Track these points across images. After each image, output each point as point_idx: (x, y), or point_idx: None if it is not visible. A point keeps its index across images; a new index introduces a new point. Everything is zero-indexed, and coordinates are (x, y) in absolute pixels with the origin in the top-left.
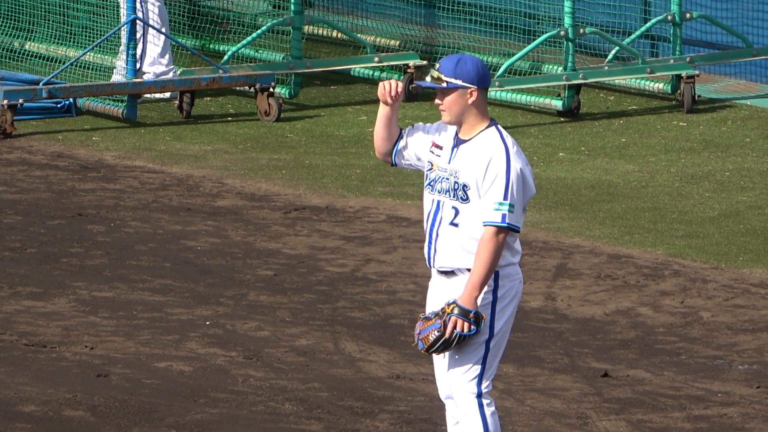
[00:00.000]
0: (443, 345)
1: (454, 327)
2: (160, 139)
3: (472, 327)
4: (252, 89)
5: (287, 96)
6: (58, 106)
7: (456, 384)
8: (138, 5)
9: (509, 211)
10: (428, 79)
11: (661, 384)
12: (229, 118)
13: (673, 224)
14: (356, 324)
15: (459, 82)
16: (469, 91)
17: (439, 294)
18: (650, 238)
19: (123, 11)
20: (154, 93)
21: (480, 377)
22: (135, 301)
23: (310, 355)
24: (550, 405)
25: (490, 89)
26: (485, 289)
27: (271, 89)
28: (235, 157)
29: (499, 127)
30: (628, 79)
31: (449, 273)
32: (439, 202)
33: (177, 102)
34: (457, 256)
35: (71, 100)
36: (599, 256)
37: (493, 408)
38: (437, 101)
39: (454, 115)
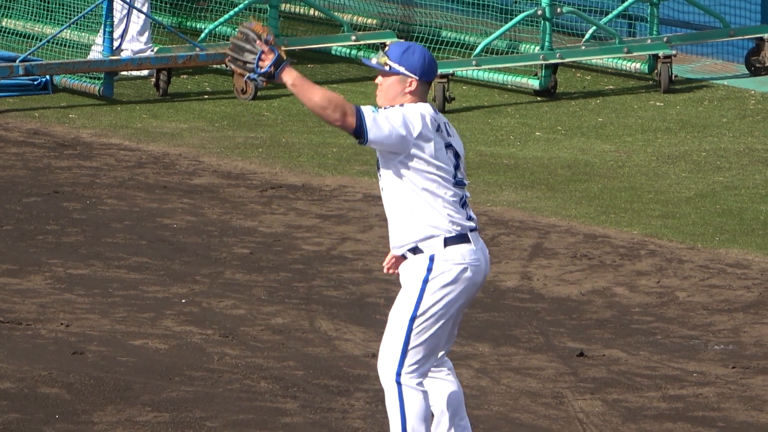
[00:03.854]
0: (239, 49)
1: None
2: (137, 117)
3: (262, 64)
4: (229, 67)
5: None
6: (35, 83)
7: (380, 362)
8: None
9: (372, 110)
10: (373, 60)
11: (636, 364)
12: (206, 96)
13: (649, 204)
14: (332, 303)
15: (402, 70)
16: (409, 80)
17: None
18: (626, 218)
19: None
20: (131, 70)
21: (402, 358)
22: (111, 279)
23: (286, 334)
24: (525, 384)
25: (467, 68)
26: (418, 268)
27: None
28: (211, 135)
29: (421, 103)
30: (605, 59)
31: (402, 257)
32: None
33: (154, 80)
34: (395, 236)
35: (48, 77)
36: (575, 235)
37: (417, 389)
38: (378, 80)
39: (388, 98)
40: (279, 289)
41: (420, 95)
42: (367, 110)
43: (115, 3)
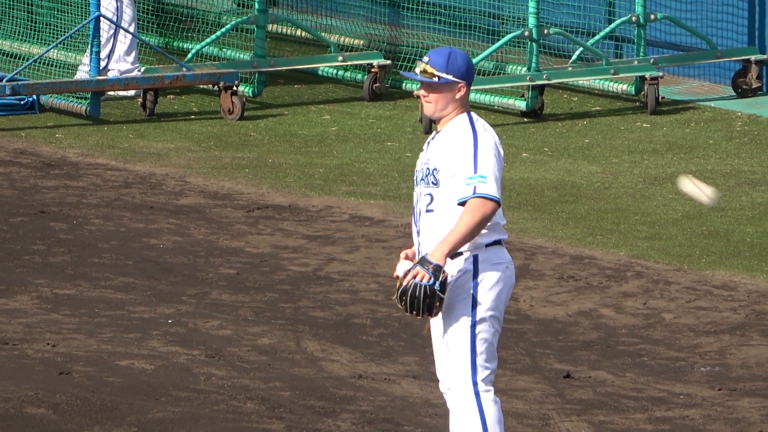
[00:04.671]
0: (402, 294)
1: (414, 276)
2: (124, 137)
3: (431, 278)
4: (216, 87)
5: (251, 94)
6: (21, 102)
7: (452, 375)
8: (106, 3)
9: (480, 181)
10: (417, 71)
11: (623, 385)
12: (193, 117)
13: (636, 225)
14: (318, 323)
15: (450, 77)
16: (459, 86)
17: None
18: (613, 240)
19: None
20: (118, 90)
21: (473, 365)
22: (97, 299)
23: (272, 354)
24: (512, 406)
25: None
26: (464, 273)
27: (235, 88)
28: (198, 155)
29: (472, 114)
30: (592, 80)
31: None
32: (419, 193)
33: (140, 100)
34: (435, 243)
35: (34, 97)
36: (562, 257)
37: (491, 395)
38: (422, 93)
39: (439, 108)
40: (265, 310)
41: (466, 97)
42: (488, 187)
43: (102, 23)
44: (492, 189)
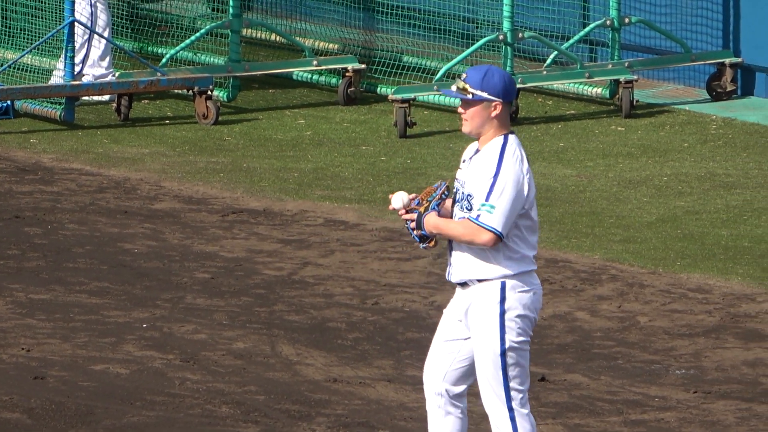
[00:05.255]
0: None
1: (410, 220)
2: (98, 142)
3: (415, 231)
4: (190, 92)
5: (225, 99)
6: None
7: (487, 403)
8: (81, 8)
9: (487, 211)
10: (454, 88)
11: (598, 388)
12: (167, 121)
13: (610, 229)
14: (293, 327)
15: (485, 95)
16: (494, 104)
17: (455, 305)
18: (588, 243)
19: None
20: (92, 96)
21: (506, 391)
22: (72, 304)
23: (247, 359)
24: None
25: (429, 93)
26: (491, 299)
27: (210, 92)
28: (172, 160)
29: (510, 137)
30: (567, 84)
31: (463, 284)
32: (455, 212)
33: (115, 105)
34: (467, 268)
35: (9, 102)
36: (537, 260)
37: (526, 419)
38: (460, 110)
39: (475, 126)
40: (240, 314)
41: (505, 117)
42: (491, 218)
43: (76, 28)
44: (494, 221)
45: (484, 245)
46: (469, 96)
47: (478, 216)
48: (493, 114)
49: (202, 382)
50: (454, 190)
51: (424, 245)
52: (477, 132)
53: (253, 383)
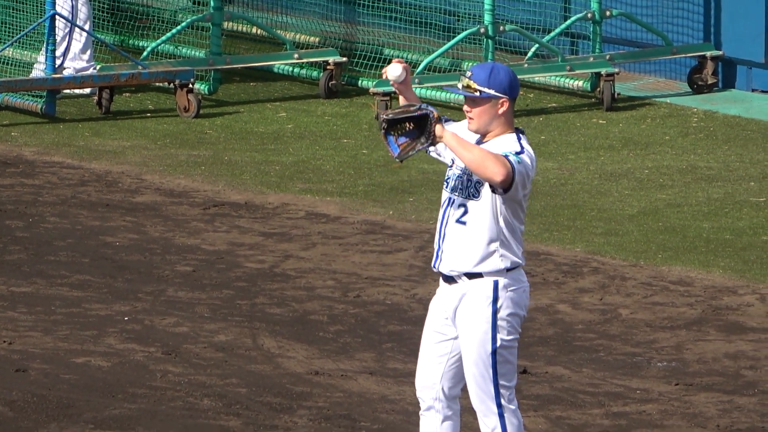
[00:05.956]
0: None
1: (432, 116)
2: (79, 135)
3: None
4: (171, 85)
5: (206, 92)
6: None
7: (475, 400)
8: (62, 1)
9: (513, 155)
10: (459, 86)
11: (579, 381)
12: (148, 114)
13: (592, 222)
14: (275, 320)
15: (491, 92)
16: (501, 101)
17: (441, 302)
18: (569, 236)
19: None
20: (74, 89)
21: (496, 391)
22: (53, 297)
23: (229, 351)
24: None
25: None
26: (483, 298)
27: (191, 85)
28: (154, 153)
29: (522, 135)
30: (548, 77)
31: (450, 279)
32: (450, 198)
33: (96, 98)
34: (458, 258)
35: None
36: None
37: (513, 414)
38: (465, 108)
39: (483, 124)
40: (222, 307)
41: (510, 114)
42: (517, 162)
43: (57, 21)
44: (515, 164)
45: (493, 176)
46: (477, 93)
47: (507, 155)
48: (500, 111)
49: (184, 374)
50: (449, 176)
51: (397, 150)
52: (484, 129)
53: (234, 376)
